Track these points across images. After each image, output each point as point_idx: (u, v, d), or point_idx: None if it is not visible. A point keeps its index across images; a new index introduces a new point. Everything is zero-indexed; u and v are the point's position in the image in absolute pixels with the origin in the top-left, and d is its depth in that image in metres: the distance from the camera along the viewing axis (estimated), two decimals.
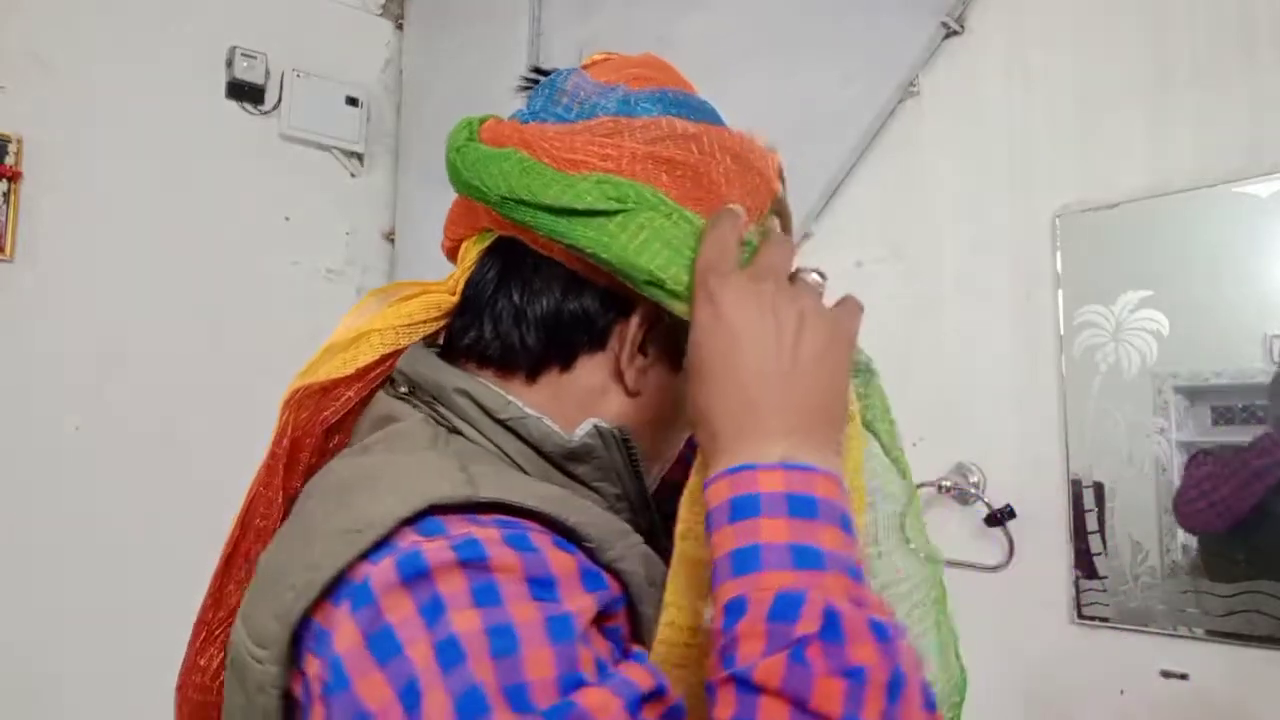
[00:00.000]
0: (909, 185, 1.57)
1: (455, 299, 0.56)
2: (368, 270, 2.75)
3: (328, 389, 0.56)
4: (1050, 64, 1.43)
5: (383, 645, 0.37)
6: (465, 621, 0.37)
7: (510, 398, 0.52)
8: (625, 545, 0.46)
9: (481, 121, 0.55)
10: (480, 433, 0.51)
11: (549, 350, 0.53)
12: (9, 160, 2.07)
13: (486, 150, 0.51)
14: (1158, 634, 1.24)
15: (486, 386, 0.52)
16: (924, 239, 1.55)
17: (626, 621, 0.45)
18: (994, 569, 1.42)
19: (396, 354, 0.56)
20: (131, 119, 2.28)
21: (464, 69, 2.59)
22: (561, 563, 0.41)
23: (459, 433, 0.52)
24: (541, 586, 0.39)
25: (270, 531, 0.55)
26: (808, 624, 0.37)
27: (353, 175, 2.72)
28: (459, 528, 0.41)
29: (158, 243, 2.31)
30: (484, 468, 0.47)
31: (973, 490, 1.44)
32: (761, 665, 0.37)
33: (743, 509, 0.41)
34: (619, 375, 0.53)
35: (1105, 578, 1.29)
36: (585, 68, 0.57)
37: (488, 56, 2.51)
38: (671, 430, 0.57)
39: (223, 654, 0.53)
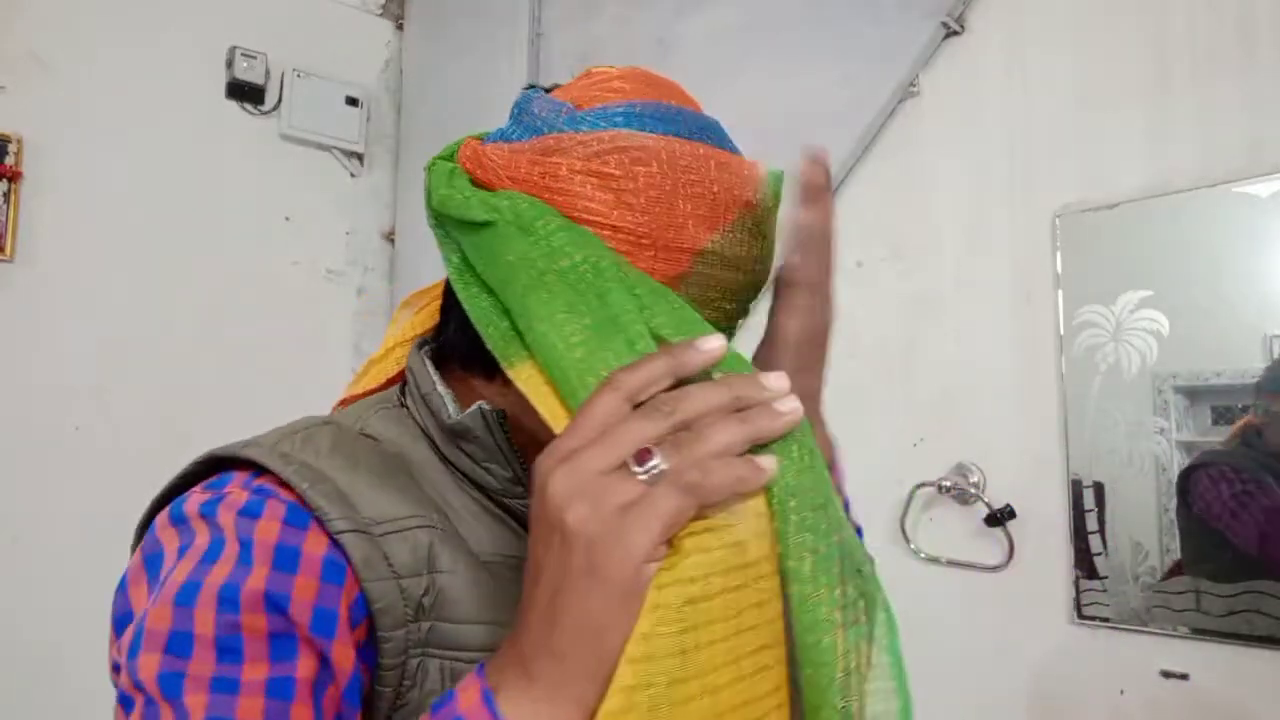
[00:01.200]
0: (909, 185, 1.57)
1: None
2: (368, 270, 2.75)
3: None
4: (1050, 64, 1.43)
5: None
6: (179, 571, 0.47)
7: (435, 377, 0.57)
8: (368, 518, 0.49)
9: (471, 137, 0.58)
10: (412, 406, 0.58)
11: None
12: (9, 160, 2.07)
13: (441, 165, 0.56)
14: (1158, 634, 1.24)
15: (424, 368, 0.58)
16: (924, 239, 1.55)
17: (346, 597, 0.48)
18: (994, 569, 1.42)
19: None
20: (131, 119, 2.28)
21: (464, 69, 2.59)
22: (264, 530, 0.48)
23: (405, 408, 0.59)
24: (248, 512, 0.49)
25: None
26: None
27: (353, 175, 2.72)
28: (230, 485, 0.51)
29: (158, 243, 2.31)
30: (329, 432, 0.54)
31: (973, 490, 1.44)
32: None
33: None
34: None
35: (1105, 578, 1.29)
36: (570, 83, 0.59)
37: (488, 56, 2.51)
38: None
39: None
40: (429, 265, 2.65)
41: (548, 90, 0.58)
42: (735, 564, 0.39)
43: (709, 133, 0.54)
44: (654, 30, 2.06)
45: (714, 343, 0.42)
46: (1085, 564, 1.31)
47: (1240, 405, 1.21)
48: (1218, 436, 1.23)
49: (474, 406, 0.54)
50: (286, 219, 2.57)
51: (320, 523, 0.48)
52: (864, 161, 1.63)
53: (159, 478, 0.56)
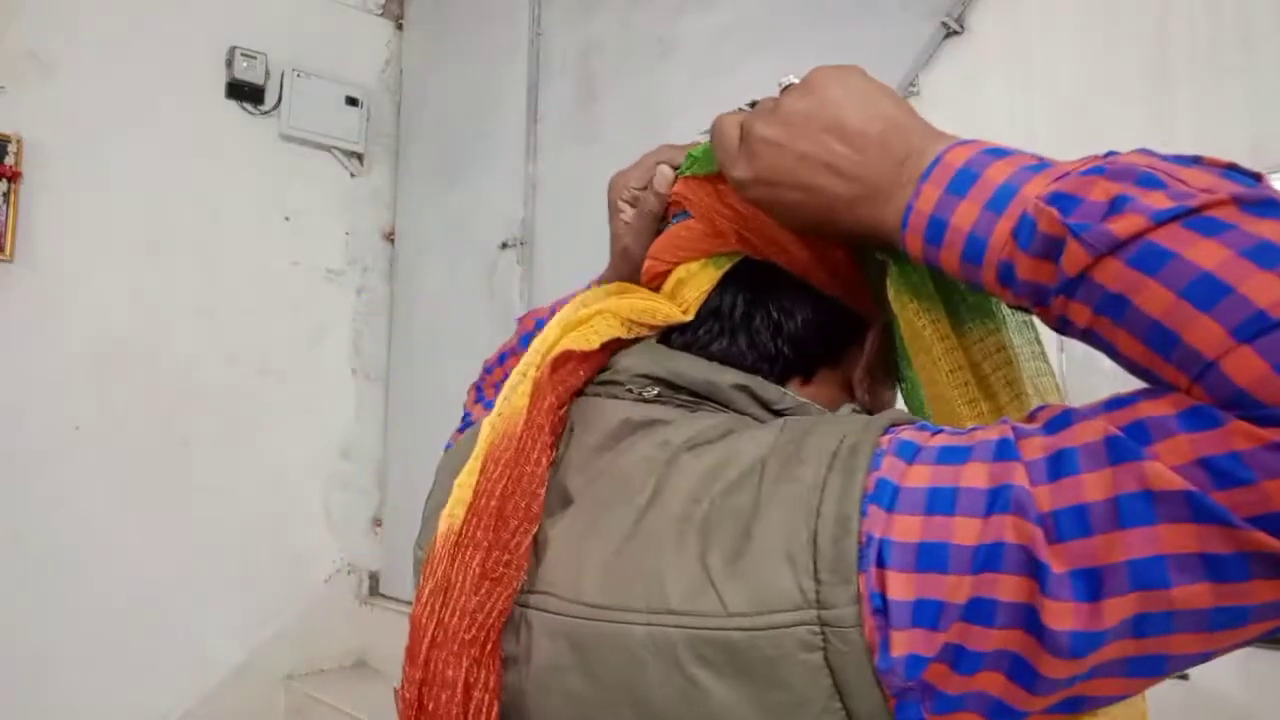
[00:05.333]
0: None
1: (687, 318, 0.55)
2: (368, 270, 2.75)
3: (563, 361, 0.54)
4: (1050, 64, 1.43)
5: (926, 497, 0.38)
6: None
7: (785, 390, 0.53)
8: None
9: None
10: (761, 423, 0.51)
11: (798, 361, 0.54)
12: (9, 160, 2.07)
13: None
14: None
15: (762, 381, 0.52)
16: None
17: None
18: None
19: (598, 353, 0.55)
20: (131, 119, 2.28)
21: (464, 69, 2.59)
22: None
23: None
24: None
25: (536, 516, 0.48)
26: (1045, 221, 0.37)
27: (353, 175, 2.72)
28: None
29: (157, 242, 2.31)
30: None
31: None
32: (1064, 261, 0.36)
33: (936, 235, 0.42)
34: (849, 389, 0.56)
35: None
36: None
37: (488, 56, 2.51)
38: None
39: (496, 674, 0.47)
40: (429, 265, 2.65)
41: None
42: None
43: None
44: (654, 30, 2.06)
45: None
46: None
47: None
48: None
49: (846, 409, 0.54)
50: (286, 219, 2.57)
51: None
52: None
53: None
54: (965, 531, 0.36)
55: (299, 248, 2.59)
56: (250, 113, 2.50)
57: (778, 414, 0.51)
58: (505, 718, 0.47)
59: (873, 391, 0.56)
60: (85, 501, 2.16)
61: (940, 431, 0.42)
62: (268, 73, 2.49)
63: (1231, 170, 0.37)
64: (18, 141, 2.09)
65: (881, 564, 0.38)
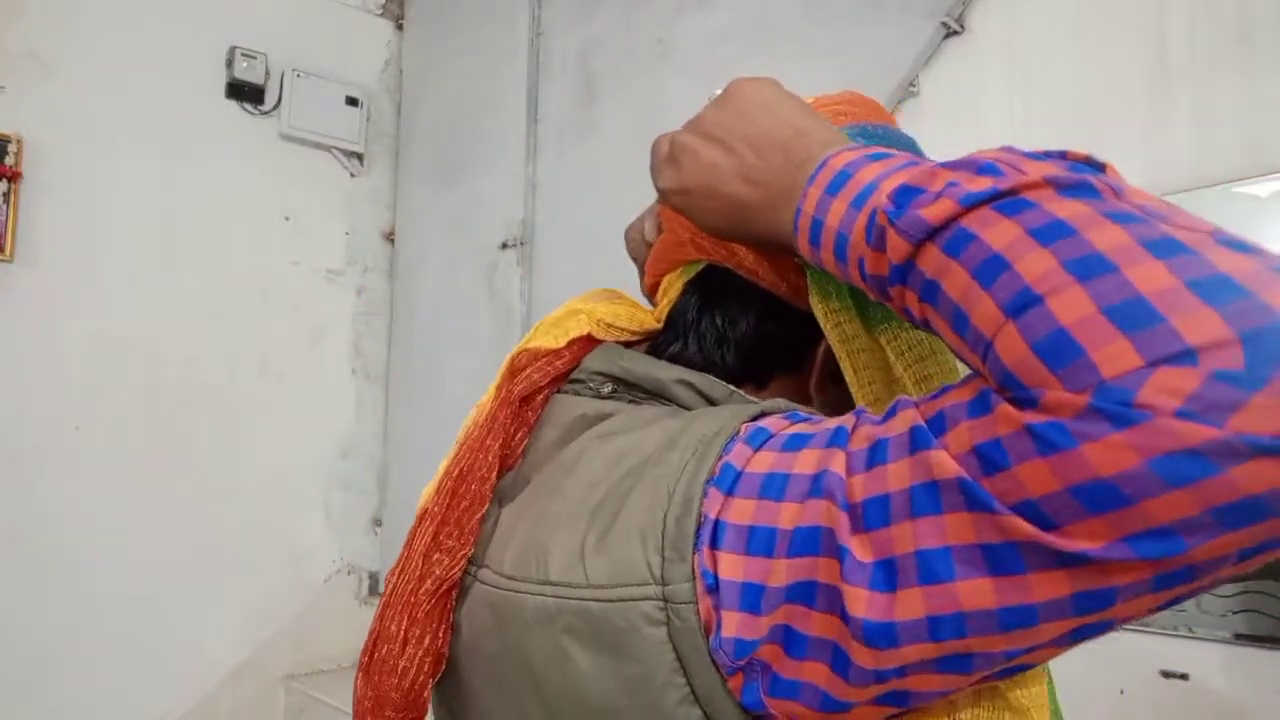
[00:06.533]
0: None
1: (659, 326, 0.59)
2: (368, 270, 2.75)
3: (538, 356, 0.58)
4: (1050, 64, 1.43)
5: (761, 483, 0.40)
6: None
7: (732, 388, 0.53)
8: None
9: None
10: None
11: (746, 369, 0.55)
12: (9, 160, 2.07)
13: None
14: (1158, 634, 1.24)
15: (709, 379, 0.53)
16: None
17: None
18: None
19: (587, 350, 0.59)
20: (131, 119, 2.28)
21: (464, 69, 2.59)
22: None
23: None
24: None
25: (485, 497, 0.53)
26: (882, 216, 0.37)
27: (353, 175, 2.72)
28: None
29: (157, 243, 2.31)
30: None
31: None
32: (889, 249, 0.37)
33: (815, 235, 0.42)
34: (806, 398, 0.56)
35: None
36: None
37: (488, 56, 2.51)
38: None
39: (435, 634, 0.51)
40: (429, 265, 2.65)
41: None
42: None
43: (923, 154, 0.56)
44: (654, 30, 2.06)
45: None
46: None
47: None
48: None
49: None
50: (286, 219, 2.57)
51: None
52: None
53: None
54: (788, 516, 0.38)
55: (299, 248, 2.59)
56: (250, 113, 2.50)
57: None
58: (449, 676, 0.52)
59: (838, 397, 0.55)
60: (85, 501, 2.16)
61: (801, 420, 0.43)
62: (268, 73, 2.49)
63: (1082, 162, 0.36)
64: (18, 141, 2.09)
65: (715, 545, 0.39)
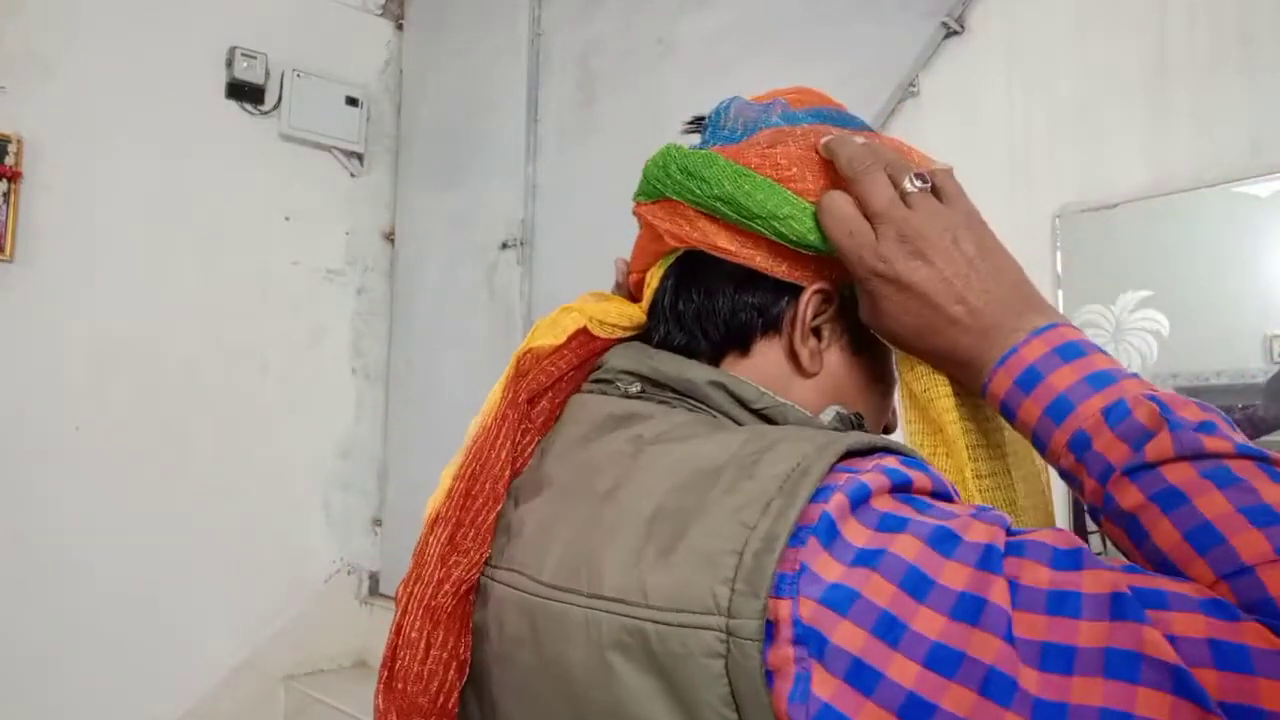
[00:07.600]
0: None
1: (643, 316, 0.61)
2: (368, 270, 2.75)
3: (541, 356, 0.59)
4: (1050, 64, 1.43)
5: (870, 557, 0.39)
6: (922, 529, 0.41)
7: (761, 388, 0.54)
8: None
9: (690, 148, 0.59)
10: (737, 422, 0.53)
11: (729, 339, 0.56)
12: (9, 160, 2.07)
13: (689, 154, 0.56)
14: None
15: (739, 379, 0.54)
16: None
17: None
18: None
19: (588, 348, 0.60)
20: (132, 119, 2.28)
21: (464, 69, 2.59)
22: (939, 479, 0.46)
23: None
24: (945, 497, 0.45)
25: (500, 496, 0.54)
26: (1143, 411, 0.43)
27: (353, 175, 2.72)
28: (870, 462, 0.44)
29: (158, 242, 2.31)
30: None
31: None
32: (1149, 447, 0.42)
33: (1028, 382, 0.47)
34: (794, 357, 0.56)
35: None
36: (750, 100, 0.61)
37: (488, 57, 2.51)
38: (866, 409, 0.59)
39: (458, 638, 0.51)
40: (429, 265, 2.65)
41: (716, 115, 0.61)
42: None
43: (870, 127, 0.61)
44: (654, 30, 2.06)
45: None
46: None
47: (1240, 405, 1.21)
48: None
49: (830, 412, 0.56)
50: (286, 219, 2.57)
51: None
52: None
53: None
54: (927, 624, 0.37)
55: (299, 248, 2.59)
56: (250, 113, 2.50)
57: (755, 413, 0.53)
58: (472, 685, 0.51)
59: (822, 358, 0.56)
60: (85, 501, 2.16)
61: (903, 483, 0.43)
62: (268, 73, 2.49)
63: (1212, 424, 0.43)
64: (18, 141, 2.09)
65: (829, 605, 0.38)
